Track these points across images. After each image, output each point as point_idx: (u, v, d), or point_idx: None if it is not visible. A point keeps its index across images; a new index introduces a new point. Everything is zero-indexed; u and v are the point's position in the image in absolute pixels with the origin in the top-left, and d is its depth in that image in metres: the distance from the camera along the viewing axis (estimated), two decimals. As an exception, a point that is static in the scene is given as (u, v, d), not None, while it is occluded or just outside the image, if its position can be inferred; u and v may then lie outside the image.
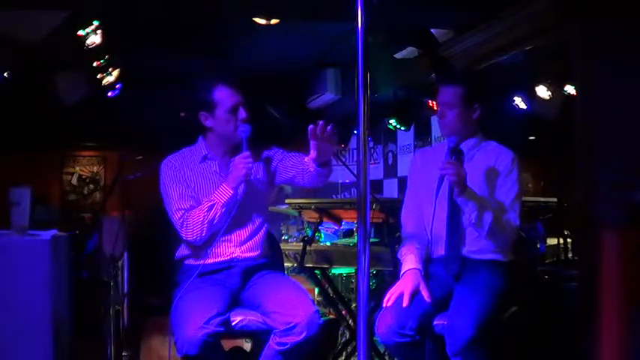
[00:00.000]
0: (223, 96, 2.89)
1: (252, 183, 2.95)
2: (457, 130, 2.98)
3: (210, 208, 2.86)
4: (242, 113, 2.90)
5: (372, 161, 7.94)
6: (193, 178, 2.96)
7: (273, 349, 2.72)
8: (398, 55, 5.72)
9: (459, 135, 2.97)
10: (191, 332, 2.58)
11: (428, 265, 3.02)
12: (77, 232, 5.02)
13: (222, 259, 2.93)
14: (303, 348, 2.69)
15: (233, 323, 2.79)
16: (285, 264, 3.67)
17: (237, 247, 2.96)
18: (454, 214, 2.95)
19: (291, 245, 4.36)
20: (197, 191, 2.94)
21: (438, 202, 2.94)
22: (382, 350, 3.76)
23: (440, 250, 2.98)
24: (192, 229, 2.88)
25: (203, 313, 2.63)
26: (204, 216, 2.86)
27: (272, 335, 2.73)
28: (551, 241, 4.54)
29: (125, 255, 4.61)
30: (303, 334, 2.66)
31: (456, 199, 2.85)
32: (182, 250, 3.03)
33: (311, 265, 3.75)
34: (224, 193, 2.86)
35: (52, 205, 7.97)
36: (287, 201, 4.21)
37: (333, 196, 8.05)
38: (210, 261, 2.93)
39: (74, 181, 8.90)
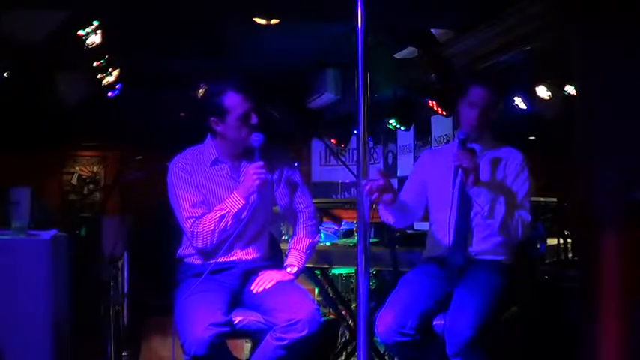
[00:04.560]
0: (234, 102, 2.86)
1: (261, 188, 2.93)
2: (477, 130, 3.00)
3: (222, 218, 2.85)
4: (253, 119, 2.88)
5: (372, 161, 7.94)
6: (205, 182, 2.94)
7: (271, 345, 2.70)
8: (398, 55, 5.72)
9: (476, 134, 3.00)
10: (199, 333, 2.58)
11: (429, 264, 3.03)
12: (78, 232, 5.02)
13: (224, 260, 2.93)
14: (302, 344, 2.68)
15: (234, 323, 2.79)
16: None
17: (239, 249, 2.96)
18: (462, 212, 2.95)
19: (291, 245, 4.35)
20: (208, 196, 2.93)
21: (449, 200, 2.95)
22: (382, 350, 3.76)
23: (443, 249, 2.98)
24: (202, 237, 2.88)
25: (209, 314, 2.64)
26: (215, 225, 2.86)
27: (271, 331, 2.72)
28: (551, 241, 4.54)
29: (125, 255, 4.61)
30: (305, 331, 2.66)
31: (469, 190, 2.86)
32: (184, 249, 3.03)
33: (311, 265, 3.74)
34: (236, 203, 2.86)
35: (52, 205, 7.96)
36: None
37: (333, 196, 8.06)
38: (212, 262, 2.92)
39: (74, 181, 8.88)
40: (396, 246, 3.55)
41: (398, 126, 6.75)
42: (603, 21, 3.16)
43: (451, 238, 2.96)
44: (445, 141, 6.37)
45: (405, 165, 7.41)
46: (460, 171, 2.85)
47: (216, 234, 2.87)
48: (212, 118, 2.90)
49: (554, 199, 4.85)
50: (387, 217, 3.08)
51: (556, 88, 5.79)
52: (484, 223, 2.92)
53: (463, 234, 2.96)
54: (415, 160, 6.63)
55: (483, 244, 2.97)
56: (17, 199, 3.68)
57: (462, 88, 3.07)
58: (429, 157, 3.27)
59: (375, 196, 2.72)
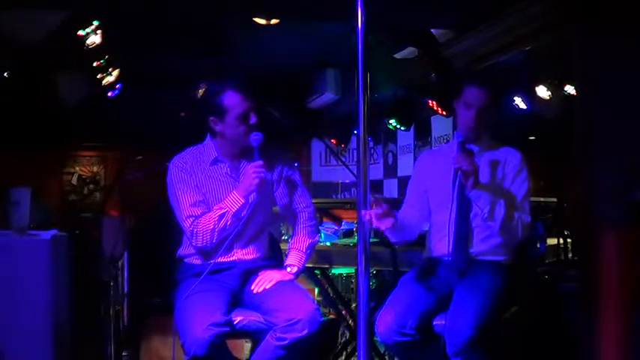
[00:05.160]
0: (233, 102, 2.86)
1: (260, 187, 2.93)
2: (474, 131, 2.99)
3: (221, 217, 2.85)
4: (252, 119, 2.88)
5: (372, 161, 7.94)
6: (204, 181, 2.94)
7: (272, 345, 2.70)
8: (398, 55, 5.72)
9: (473, 135, 2.99)
10: (199, 333, 2.59)
11: (430, 265, 3.03)
12: (77, 232, 5.02)
13: (224, 260, 2.93)
14: (302, 344, 2.68)
15: (234, 323, 2.79)
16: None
17: (239, 249, 2.96)
18: (462, 213, 2.95)
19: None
20: (208, 195, 2.93)
21: (449, 201, 2.94)
22: (382, 350, 3.76)
23: (444, 250, 2.98)
24: (202, 236, 2.88)
25: (209, 314, 2.64)
26: (215, 224, 2.86)
27: (271, 331, 2.72)
28: (551, 241, 4.54)
29: (125, 255, 4.61)
30: (305, 331, 2.66)
31: (469, 193, 2.86)
32: (183, 249, 3.03)
33: (311, 265, 3.74)
34: (235, 202, 2.86)
35: (51, 204, 7.96)
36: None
37: (333, 196, 8.06)
38: (211, 262, 2.92)
39: (74, 181, 8.89)
40: (396, 246, 3.54)
41: (398, 126, 6.75)
42: (603, 21, 3.17)
43: (451, 239, 2.96)
44: (445, 141, 6.37)
45: (405, 165, 7.41)
46: (459, 173, 2.85)
47: (215, 233, 2.87)
48: (211, 118, 2.91)
49: (554, 199, 4.85)
50: (389, 237, 3.08)
51: (556, 88, 5.79)
52: (484, 225, 2.92)
53: (463, 235, 2.96)
54: (415, 161, 6.64)
55: (483, 245, 2.97)
56: (17, 199, 3.68)
57: (458, 89, 3.06)
58: (428, 159, 3.26)
59: (375, 224, 2.75)
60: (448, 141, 6.02)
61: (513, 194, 2.96)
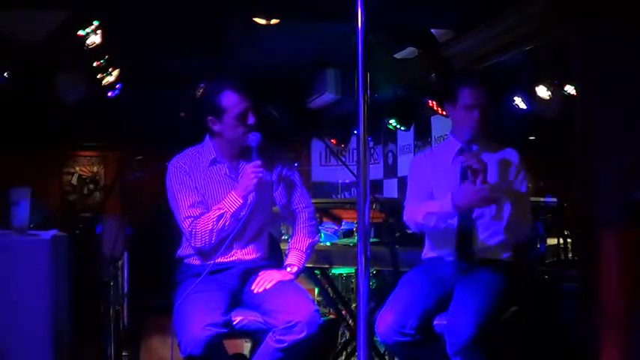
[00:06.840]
0: (232, 102, 2.86)
1: (259, 187, 2.93)
2: (477, 131, 2.99)
3: (220, 217, 2.85)
4: (251, 119, 2.88)
5: (372, 161, 7.94)
6: (203, 182, 2.94)
7: (271, 347, 2.70)
8: (398, 55, 5.72)
9: (477, 135, 2.98)
10: (195, 333, 2.58)
11: (430, 264, 3.03)
12: (77, 232, 5.02)
13: (224, 260, 2.93)
14: (301, 347, 2.68)
15: (234, 323, 2.79)
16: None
17: (238, 250, 2.96)
18: (464, 213, 2.94)
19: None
20: (207, 195, 2.93)
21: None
22: (382, 350, 3.76)
23: (446, 249, 2.98)
24: (200, 237, 2.88)
25: (207, 314, 2.64)
26: (213, 225, 2.86)
27: (270, 333, 2.72)
28: (551, 241, 4.54)
29: (125, 255, 4.61)
30: (304, 333, 2.66)
31: None
32: (183, 249, 3.03)
33: (311, 265, 3.74)
34: (234, 202, 2.86)
35: (51, 204, 7.96)
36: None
37: (333, 196, 8.06)
38: (211, 262, 2.92)
39: (74, 181, 8.88)
40: (396, 246, 3.55)
41: (398, 126, 6.75)
42: (603, 21, 3.17)
43: (453, 239, 2.96)
44: (445, 141, 6.38)
45: (405, 165, 7.40)
46: (469, 172, 2.85)
47: (214, 233, 2.86)
48: (209, 118, 2.90)
49: (555, 199, 4.85)
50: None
51: (556, 88, 5.79)
52: (486, 224, 2.92)
53: (464, 235, 2.96)
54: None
55: (484, 245, 2.97)
56: (17, 199, 3.67)
57: (454, 91, 3.04)
58: (426, 161, 3.22)
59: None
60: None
61: (517, 193, 2.96)
